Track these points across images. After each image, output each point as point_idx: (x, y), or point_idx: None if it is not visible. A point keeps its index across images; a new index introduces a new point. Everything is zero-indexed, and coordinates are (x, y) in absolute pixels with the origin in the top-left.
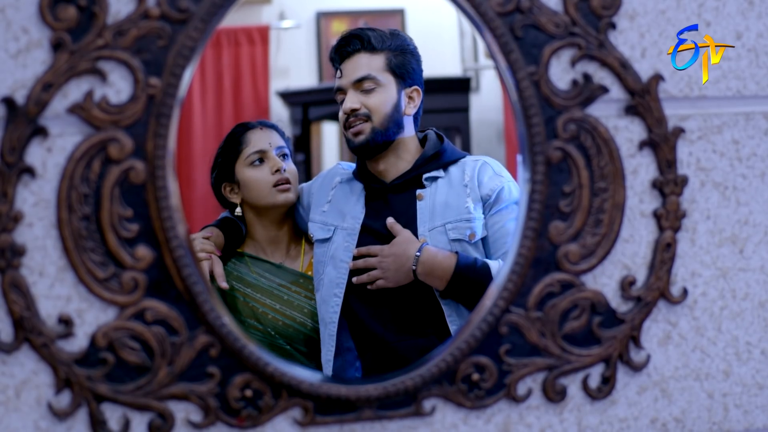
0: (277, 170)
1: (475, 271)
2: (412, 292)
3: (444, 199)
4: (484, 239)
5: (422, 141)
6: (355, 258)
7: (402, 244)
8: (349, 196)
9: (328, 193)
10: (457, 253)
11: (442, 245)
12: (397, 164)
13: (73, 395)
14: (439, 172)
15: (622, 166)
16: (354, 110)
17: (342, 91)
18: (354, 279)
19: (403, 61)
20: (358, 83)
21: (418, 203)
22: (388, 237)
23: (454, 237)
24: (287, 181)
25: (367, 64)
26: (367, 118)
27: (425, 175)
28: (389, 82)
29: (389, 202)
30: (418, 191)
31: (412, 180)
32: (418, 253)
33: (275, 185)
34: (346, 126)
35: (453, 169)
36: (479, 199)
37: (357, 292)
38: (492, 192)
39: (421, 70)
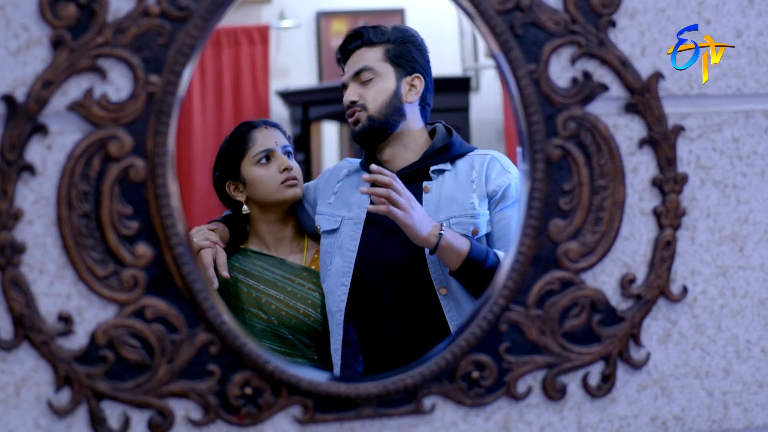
0: (285, 169)
1: (487, 255)
2: (414, 288)
3: (450, 193)
4: (488, 235)
5: (431, 134)
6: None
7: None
8: (356, 187)
9: (334, 185)
10: (469, 238)
11: None
12: (403, 154)
13: (72, 393)
14: (447, 165)
15: (622, 164)
16: (353, 102)
17: (346, 87)
18: (370, 207)
19: (402, 51)
20: (357, 75)
21: (425, 195)
22: (393, 226)
23: (457, 231)
24: (294, 178)
25: (366, 56)
26: (363, 107)
27: (432, 168)
28: (387, 71)
29: None
30: (425, 183)
31: (420, 171)
32: (442, 231)
33: (283, 182)
34: (348, 117)
35: (460, 163)
36: (485, 196)
37: (363, 285)
38: (498, 188)
39: (426, 60)
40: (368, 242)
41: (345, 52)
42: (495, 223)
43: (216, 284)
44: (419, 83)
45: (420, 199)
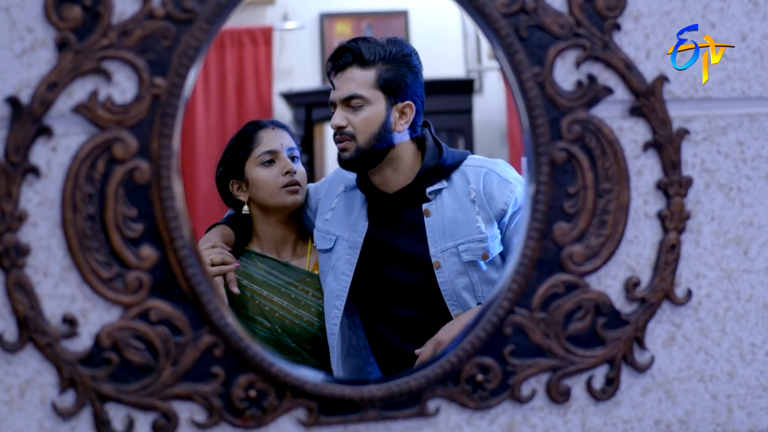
0: (288, 172)
1: None
2: (425, 310)
3: (452, 215)
4: (502, 253)
5: (419, 144)
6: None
7: (454, 322)
8: (352, 207)
9: (332, 200)
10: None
11: (455, 266)
12: (395, 177)
13: (77, 395)
14: (442, 183)
15: (627, 168)
16: (340, 127)
17: (334, 105)
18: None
19: (396, 76)
20: (347, 101)
21: (426, 220)
22: (393, 250)
23: (468, 259)
24: (297, 183)
25: (357, 80)
26: (352, 137)
27: (428, 189)
28: (378, 99)
29: (395, 217)
30: (425, 206)
31: (416, 192)
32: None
33: (285, 186)
34: (335, 140)
35: (455, 177)
36: (491, 219)
37: (365, 303)
38: (506, 206)
39: (419, 82)
40: (369, 266)
41: (336, 66)
42: (508, 240)
43: (226, 302)
44: (410, 111)
45: (421, 224)
